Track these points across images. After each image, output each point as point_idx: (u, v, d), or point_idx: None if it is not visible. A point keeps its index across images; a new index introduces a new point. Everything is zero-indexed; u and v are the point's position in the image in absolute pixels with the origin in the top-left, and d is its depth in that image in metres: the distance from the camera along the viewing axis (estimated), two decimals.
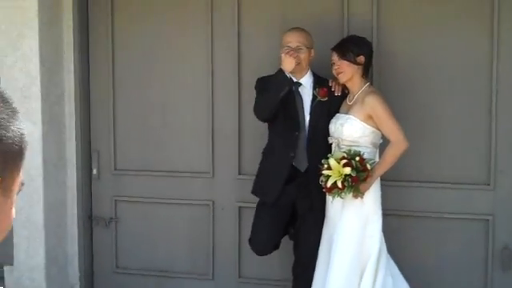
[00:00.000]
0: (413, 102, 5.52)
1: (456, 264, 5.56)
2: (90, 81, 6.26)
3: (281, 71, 5.09)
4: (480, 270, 5.54)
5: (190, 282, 6.20)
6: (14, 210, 1.24)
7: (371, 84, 5.27)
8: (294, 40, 5.20)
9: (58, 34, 6.04)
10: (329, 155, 4.99)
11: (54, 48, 6.00)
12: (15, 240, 5.91)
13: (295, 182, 5.24)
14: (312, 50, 5.28)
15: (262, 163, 5.44)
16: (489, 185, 5.46)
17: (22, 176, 1.24)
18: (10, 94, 1.25)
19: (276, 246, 5.42)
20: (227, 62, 5.91)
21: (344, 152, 4.93)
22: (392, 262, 5.19)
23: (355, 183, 4.85)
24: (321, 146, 5.18)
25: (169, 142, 6.13)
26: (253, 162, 5.58)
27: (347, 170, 4.81)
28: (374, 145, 5.09)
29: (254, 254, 5.50)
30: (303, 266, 5.33)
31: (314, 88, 5.29)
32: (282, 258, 5.69)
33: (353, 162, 4.84)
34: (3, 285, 6.05)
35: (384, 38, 5.58)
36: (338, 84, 5.25)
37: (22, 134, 1.21)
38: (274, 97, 5.07)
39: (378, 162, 5.00)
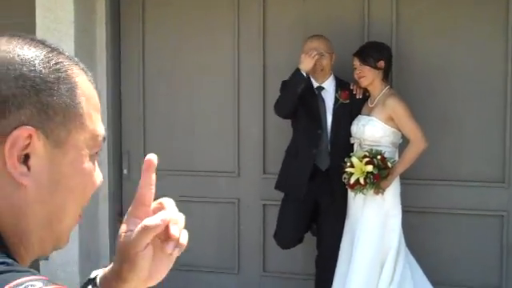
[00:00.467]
0: (430, 104, 5.76)
1: (472, 258, 5.79)
2: (122, 84, 6.53)
3: (298, 70, 5.40)
4: (495, 265, 5.77)
5: (217, 276, 6.43)
6: (90, 167, 1.19)
7: (391, 87, 5.54)
8: (317, 47, 5.49)
9: (92, 41, 6.32)
10: (351, 154, 5.30)
11: (89, 52, 6.27)
12: None
13: (318, 180, 5.53)
14: (333, 55, 5.57)
15: (285, 161, 5.72)
16: (504, 182, 5.71)
17: (99, 130, 1.20)
18: None
19: (300, 240, 5.70)
20: (253, 66, 6.18)
21: (366, 151, 5.23)
22: (410, 256, 5.46)
23: (377, 180, 5.14)
24: (343, 145, 5.49)
25: (196, 143, 6.38)
26: (277, 162, 5.85)
27: (369, 168, 5.11)
28: (394, 144, 5.37)
29: (278, 249, 5.79)
30: (326, 260, 5.60)
31: (337, 91, 5.59)
32: (305, 253, 5.94)
33: (374, 160, 5.14)
34: None
35: (402, 42, 5.84)
36: (360, 87, 5.53)
37: (72, 90, 1.16)
38: (292, 93, 5.42)
39: (399, 161, 5.28)
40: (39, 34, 5.96)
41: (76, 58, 1.20)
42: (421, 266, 5.48)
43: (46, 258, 6.25)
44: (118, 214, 6.57)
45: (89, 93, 1.19)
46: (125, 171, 6.54)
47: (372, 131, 5.31)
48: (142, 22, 6.47)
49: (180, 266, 6.60)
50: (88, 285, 1.30)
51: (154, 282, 1.29)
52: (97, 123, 1.19)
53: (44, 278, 1.01)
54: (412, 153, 5.26)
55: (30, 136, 1.09)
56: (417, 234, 5.74)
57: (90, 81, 1.21)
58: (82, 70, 1.20)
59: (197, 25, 6.33)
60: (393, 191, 5.33)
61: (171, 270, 1.33)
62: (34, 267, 1.09)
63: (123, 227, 1.24)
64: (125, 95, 6.55)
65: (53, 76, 1.13)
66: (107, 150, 6.39)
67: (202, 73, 6.32)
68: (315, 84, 5.62)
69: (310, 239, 5.75)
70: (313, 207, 5.61)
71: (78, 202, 1.18)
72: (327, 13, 5.98)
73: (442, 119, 5.77)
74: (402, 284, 5.31)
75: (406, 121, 5.28)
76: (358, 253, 5.29)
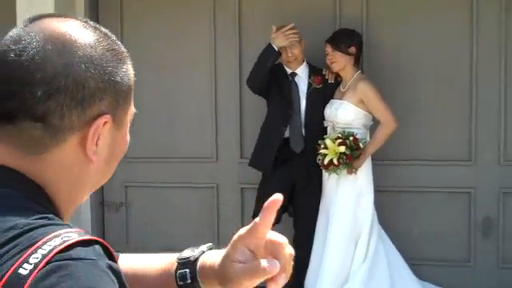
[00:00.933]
0: (400, 87, 6.01)
1: (442, 234, 6.05)
2: None
3: (269, 45, 5.69)
4: (464, 239, 6.04)
5: None
6: (128, 137, 1.37)
7: (362, 72, 5.79)
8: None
9: None
10: (325, 136, 5.55)
11: None
12: None
13: (293, 162, 5.77)
14: (303, 42, 5.80)
15: (259, 137, 5.98)
16: (470, 160, 5.98)
17: (133, 108, 1.36)
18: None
19: (278, 221, 5.91)
20: (229, 54, 6.37)
21: (339, 133, 5.48)
22: (383, 233, 5.72)
23: (349, 160, 5.39)
24: (316, 128, 5.75)
25: (175, 130, 6.54)
26: (253, 147, 6.05)
27: (342, 149, 5.36)
28: (365, 126, 5.63)
29: None
30: (303, 239, 5.81)
31: (310, 77, 5.83)
32: (281, 233, 6.10)
33: (347, 141, 5.40)
34: None
35: (373, 29, 6.07)
36: (332, 72, 5.77)
37: (129, 75, 1.32)
38: (262, 65, 5.70)
39: (370, 141, 5.54)
40: None
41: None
42: (394, 243, 5.73)
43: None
44: (99, 202, 6.70)
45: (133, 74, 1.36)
46: None
47: (344, 114, 5.55)
48: (120, 15, 6.59)
49: (161, 251, 6.75)
50: (185, 267, 1.44)
51: None
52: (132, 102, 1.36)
53: (80, 230, 1.13)
54: (383, 134, 5.51)
55: (106, 122, 1.26)
56: (388, 213, 5.97)
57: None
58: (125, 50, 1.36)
59: (173, 16, 6.49)
60: (365, 171, 5.58)
61: None
62: None
63: (233, 249, 1.32)
64: None
65: (119, 64, 1.29)
66: None
67: (179, 62, 6.46)
68: (289, 71, 5.86)
69: (286, 219, 5.95)
70: (289, 188, 5.84)
71: (116, 165, 1.37)
72: (300, 1, 6.18)
73: (411, 102, 6.01)
74: (376, 260, 5.56)
75: (377, 103, 5.53)
76: (332, 231, 5.53)
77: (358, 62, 5.73)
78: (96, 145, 1.26)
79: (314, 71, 5.85)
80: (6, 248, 1.09)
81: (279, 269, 1.29)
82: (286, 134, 5.82)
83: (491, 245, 5.98)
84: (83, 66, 1.22)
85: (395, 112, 5.58)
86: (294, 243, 5.83)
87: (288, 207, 5.97)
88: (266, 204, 1.28)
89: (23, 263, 1.05)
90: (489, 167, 5.95)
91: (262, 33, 6.14)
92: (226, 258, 1.34)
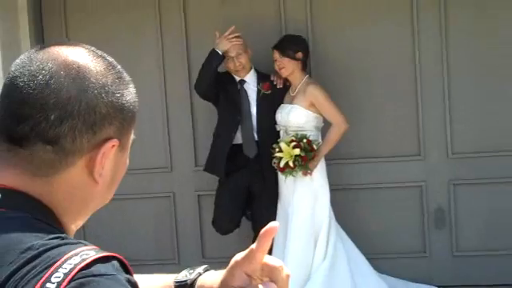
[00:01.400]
0: (347, 89, 6.17)
1: (397, 228, 6.23)
2: None
3: (213, 49, 5.83)
4: (418, 230, 6.24)
5: (158, 268, 6.61)
6: (127, 160, 1.43)
7: (310, 76, 5.94)
8: (232, 49, 5.86)
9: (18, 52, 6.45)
10: (279, 140, 5.68)
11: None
12: None
13: (249, 167, 5.90)
14: (248, 50, 5.94)
15: (212, 144, 6.09)
16: (420, 155, 6.18)
17: (133, 133, 1.42)
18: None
19: (237, 225, 6.05)
20: (177, 65, 6.46)
21: (292, 136, 5.61)
22: (341, 230, 5.87)
23: (305, 162, 5.54)
24: (269, 133, 5.88)
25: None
26: (207, 153, 6.14)
27: (297, 151, 5.50)
28: (317, 128, 5.78)
29: (215, 236, 6.12)
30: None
31: (258, 83, 5.96)
32: (241, 236, 6.20)
33: (301, 143, 5.54)
34: None
35: (317, 34, 6.23)
36: (280, 78, 5.90)
37: (135, 101, 1.39)
38: (207, 69, 5.83)
39: (323, 143, 5.69)
40: None
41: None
42: (352, 239, 5.89)
43: None
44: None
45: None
46: None
47: (296, 118, 5.69)
48: (65, 30, 6.61)
49: None
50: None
51: None
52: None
53: (95, 247, 1.18)
54: (334, 134, 5.67)
55: (113, 146, 1.32)
56: (346, 210, 6.12)
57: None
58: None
59: (119, 29, 6.53)
60: (320, 171, 5.73)
61: None
62: None
63: (230, 275, 1.32)
64: None
65: (126, 91, 1.37)
66: None
67: (128, 74, 6.50)
68: (237, 78, 5.97)
69: (246, 223, 6.08)
70: (246, 193, 5.97)
71: (116, 188, 1.42)
72: (245, 11, 6.29)
73: (359, 102, 6.18)
74: (336, 256, 5.70)
75: (327, 106, 5.68)
76: (292, 231, 5.66)
77: (305, 67, 5.86)
78: (102, 168, 1.32)
79: (262, 78, 5.98)
80: (26, 269, 1.13)
81: None
82: (240, 140, 5.94)
83: (444, 235, 6.18)
84: (96, 91, 1.29)
85: (345, 111, 5.73)
86: None
87: (246, 211, 6.10)
88: (262, 231, 1.28)
89: (46, 283, 1.10)
90: (438, 161, 6.16)
91: (210, 42, 6.22)
92: (223, 283, 1.35)
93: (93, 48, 1.39)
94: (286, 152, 5.56)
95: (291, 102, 5.78)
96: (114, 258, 1.18)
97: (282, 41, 5.86)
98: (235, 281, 1.31)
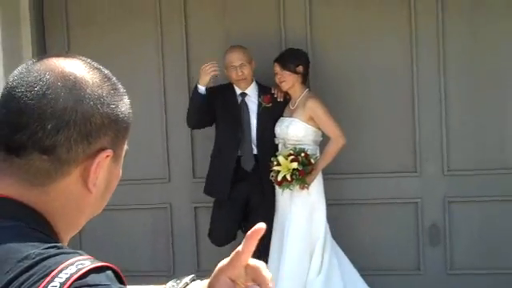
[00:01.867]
0: (346, 103, 6.20)
1: (392, 244, 6.25)
2: None
3: (195, 86, 5.90)
4: (412, 247, 6.25)
5: (153, 280, 6.63)
6: (120, 171, 1.44)
7: (310, 89, 5.98)
8: (236, 59, 5.91)
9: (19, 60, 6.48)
10: (277, 153, 5.72)
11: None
12: None
13: (247, 180, 5.93)
14: (253, 63, 5.97)
15: (211, 165, 6.10)
16: (416, 172, 6.21)
17: (126, 144, 1.44)
18: None
19: (233, 237, 6.07)
20: (178, 77, 6.49)
21: (290, 150, 5.64)
22: (336, 245, 5.89)
23: (302, 176, 5.57)
24: (268, 146, 5.91)
25: (126, 153, 6.60)
26: (205, 166, 6.18)
27: (295, 165, 5.53)
28: (315, 142, 5.82)
29: (211, 248, 6.12)
30: (257, 254, 5.95)
31: (259, 96, 5.99)
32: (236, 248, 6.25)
33: (299, 157, 5.57)
34: None
35: (317, 48, 6.27)
36: (280, 91, 5.95)
37: (129, 113, 1.42)
38: (193, 107, 5.93)
39: (321, 157, 5.73)
40: None
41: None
42: (346, 254, 5.90)
43: None
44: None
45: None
46: None
47: (295, 131, 5.73)
48: (67, 39, 6.65)
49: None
50: None
51: None
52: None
53: (90, 257, 1.19)
54: (332, 149, 5.70)
55: (107, 156, 1.34)
56: (341, 225, 6.13)
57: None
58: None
59: (120, 41, 6.57)
60: (317, 185, 5.76)
61: None
62: None
63: (216, 280, 1.31)
64: None
65: (121, 103, 1.40)
66: None
67: (128, 85, 6.48)
68: (238, 91, 6.01)
69: (241, 235, 6.09)
70: (243, 206, 6.00)
71: (109, 198, 1.45)
72: (246, 24, 6.34)
73: (357, 117, 6.21)
74: (330, 272, 5.72)
75: (326, 120, 5.72)
76: (288, 245, 5.68)
77: (305, 81, 5.91)
78: (96, 177, 1.34)
79: (263, 90, 6.02)
80: (23, 278, 1.15)
81: None
82: (238, 152, 5.96)
83: (439, 252, 6.20)
84: (92, 102, 1.31)
85: (343, 126, 5.77)
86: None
87: (242, 224, 6.12)
88: (249, 232, 1.30)
89: None
90: (433, 178, 6.18)
91: (210, 55, 6.26)
92: None
93: (89, 60, 1.42)
94: (283, 165, 5.59)
95: (291, 116, 5.82)
96: (108, 268, 1.20)
97: (283, 54, 5.91)
98: (221, 286, 1.31)
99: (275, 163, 5.65)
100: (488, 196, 6.09)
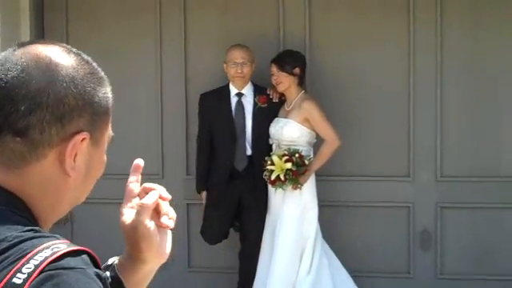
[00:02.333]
0: (342, 106, 6.22)
1: (383, 247, 6.28)
2: None
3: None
4: (404, 251, 6.28)
5: None
6: (105, 157, 1.45)
7: (306, 91, 5.99)
8: (239, 56, 5.92)
9: None
10: (271, 153, 5.74)
11: None
12: None
13: (240, 179, 5.96)
14: (253, 64, 5.99)
15: (204, 163, 6.16)
16: (409, 176, 6.23)
17: (110, 130, 1.45)
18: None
19: (226, 236, 6.08)
20: (175, 74, 6.49)
21: (285, 150, 5.67)
22: (327, 246, 5.92)
23: (295, 176, 5.59)
24: (262, 146, 5.94)
25: (121, 146, 6.58)
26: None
27: (288, 165, 5.55)
28: (309, 144, 5.84)
29: (202, 246, 6.15)
30: (249, 253, 5.98)
31: (255, 96, 6.01)
32: (228, 247, 6.25)
33: (293, 158, 5.60)
34: None
35: (314, 50, 6.29)
36: (276, 92, 5.96)
37: (107, 98, 1.41)
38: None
39: (315, 158, 5.75)
40: None
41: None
42: (337, 256, 5.93)
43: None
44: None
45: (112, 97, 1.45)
46: None
47: (290, 132, 5.74)
48: (65, 29, 6.64)
49: None
50: (106, 270, 1.51)
51: (165, 258, 1.60)
52: (110, 125, 1.46)
53: (67, 241, 1.21)
54: (327, 151, 5.72)
55: (83, 139, 1.34)
56: (333, 227, 6.16)
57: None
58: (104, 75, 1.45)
59: (119, 37, 6.58)
60: (310, 186, 5.79)
61: None
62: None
63: (124, 217, 1.51)
64: None
65: (98, 87, 1.39)
66: None
67: (126, 81, 6.49)
68: (235, 90, 6.02)
69: (233, 234, 6.11)
70: (236, 204, 6.01)
71: (93, 184, 1.46)
72: (245, 23, 6.35)
73: (352, 120, 6.23)
74: (320, 271, 5.75)
75: (321, 122, 5.74)
76: (279, 244, 5.71)
77: (301, 82, 5.92)
78: (74, 161, 1.33)
79: (259, 91, 6.03)
80: None
81: (156, 198, 1.54)
82: (234, 152, 5.99)
83: (429, 257, 6.23)
84: (65, 84, 1.31)
85: (338, 129, 5.79)
86: (241, 256, 6.04)
87: (234, 223, 6.13)
88: (132, 168, 1.57)
89: (16, 273, 1.14)
90: (426, 183, 6.21)
91: (209, 55, 6.32)
92: (124, 225, 1.53)
93: (70, 47, 1.42)
94: (277, 165, 5.61)
95: (286, 117, 5.84)
96: (84, 252, 1.21)
97: (280, 55, 5.92)
98: (126, 220, 1.51)
99: (269, 163, 5.67)
100: (480, 203, 6.12)
